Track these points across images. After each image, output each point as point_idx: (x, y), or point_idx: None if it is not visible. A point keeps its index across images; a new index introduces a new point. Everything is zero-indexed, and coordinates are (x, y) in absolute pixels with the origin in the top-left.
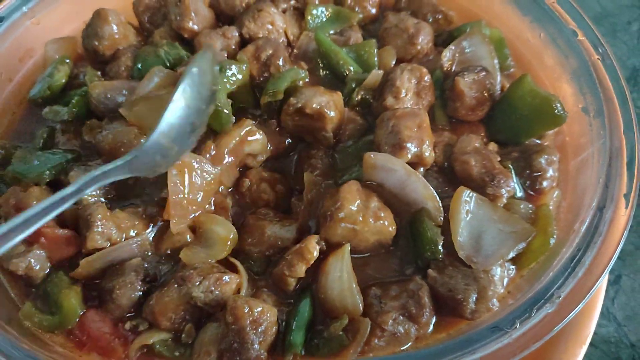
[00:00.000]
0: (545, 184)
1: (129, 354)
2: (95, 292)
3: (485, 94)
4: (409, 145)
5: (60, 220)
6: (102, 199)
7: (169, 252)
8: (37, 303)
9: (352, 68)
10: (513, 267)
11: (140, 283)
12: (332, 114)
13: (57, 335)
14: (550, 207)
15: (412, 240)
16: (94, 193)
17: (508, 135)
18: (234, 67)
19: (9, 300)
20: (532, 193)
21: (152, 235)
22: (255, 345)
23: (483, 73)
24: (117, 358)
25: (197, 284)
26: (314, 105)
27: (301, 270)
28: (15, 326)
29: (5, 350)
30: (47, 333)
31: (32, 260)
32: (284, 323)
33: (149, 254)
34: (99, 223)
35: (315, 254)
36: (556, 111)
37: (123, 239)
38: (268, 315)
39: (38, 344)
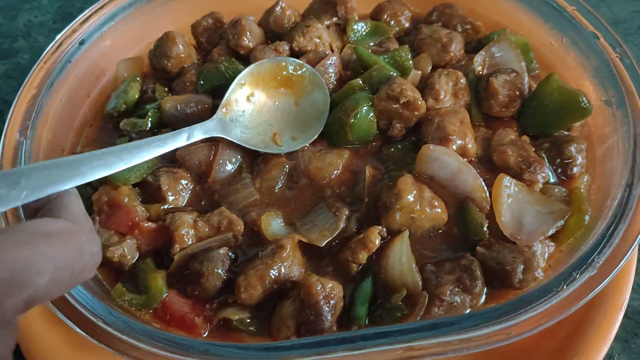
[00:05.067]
0: (575, 169)
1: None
2: (173, 279)
3: (517, 92)
4: (453, 137)
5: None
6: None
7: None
8: (126, 285)
9: (392, 73)
10: (552, 243)
11: (226, 272)
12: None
13: (144, 313)
14: (582, 190)
15: (461, 224)
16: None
17: (539, 129)
18: None
19: (99, 282)
20: (564, 178)
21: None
22: (329, 317)
23: (513, 74)
24: (197, 334)
25: (277, 263)
26: (409, 94)
27: (363, 257)
28: (109, 302)
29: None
30: (137, 311)
31: (126, 249)
32: (347, 300)
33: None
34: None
35: (377, 242)
36: (582, 104)
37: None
38: (337, 290)
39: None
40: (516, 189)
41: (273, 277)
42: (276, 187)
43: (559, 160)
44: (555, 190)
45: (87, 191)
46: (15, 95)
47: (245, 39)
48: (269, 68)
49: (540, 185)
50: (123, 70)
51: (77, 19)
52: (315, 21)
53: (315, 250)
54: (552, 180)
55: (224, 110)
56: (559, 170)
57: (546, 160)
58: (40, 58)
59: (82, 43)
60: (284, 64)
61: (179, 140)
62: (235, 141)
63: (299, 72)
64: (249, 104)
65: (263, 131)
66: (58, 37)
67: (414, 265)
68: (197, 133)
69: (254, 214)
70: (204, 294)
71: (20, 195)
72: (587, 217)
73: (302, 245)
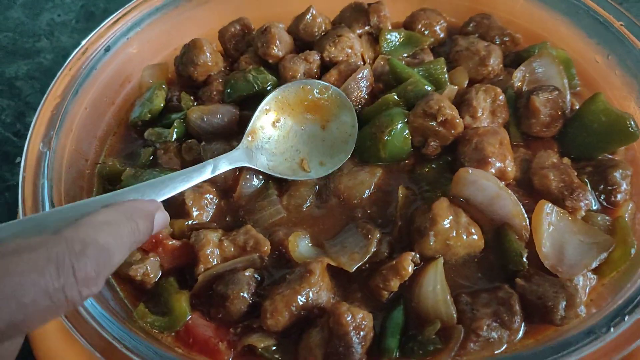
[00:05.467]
0: (619, 197)
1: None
2: (197, 302)
3: (558, 112)
4: (492, 160)
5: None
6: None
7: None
8: (148, 305)
9: (427, 87)
10: (594, 275)
11: (251, 295)
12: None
13: (167, 336)
14: (626, 219)
15: (498, 252)
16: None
17: (581, 151)
18: None
19: (121, 302)
20: (607, 206)
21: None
22: (359, 349)
23: (556, 92)
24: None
25: (304, 288)
26: (448, 111)
27: (395, 285)
28: (131, 324)
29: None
30: (159, 334)
31: (149, 267)
32: (377, 328)
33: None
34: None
35: (410, 270)
36: (630, 128)
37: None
38: (367, 321)
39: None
40: (558, 216)
41: (301, 303)
42: (304, 206)
43: (602, 186)
44: (598, 219)
45: None
46: (37, 97)
47: (274, 47)
48: (295, 92)
49: (583, 213)
50: (148, 77)
51: (102, 23)
52: (347, 30)
53: (344, 273)
54: (594, 207)
55: (249, 138)
56: (602, 197)
57: (589, 186)
58: (65, 64)
59: (107, 50)
60: (309, 87)
61: (204, 173)
62: (262, 170)
63: (325, 95)
64: (275, 130)
65: (290, 157)
66: (83, 42)
67: (448, 297)
68: (223, 164)
69: (280, 234)
70: (228, 317)
71: None
72: (632, 250)
73: (330, 268)
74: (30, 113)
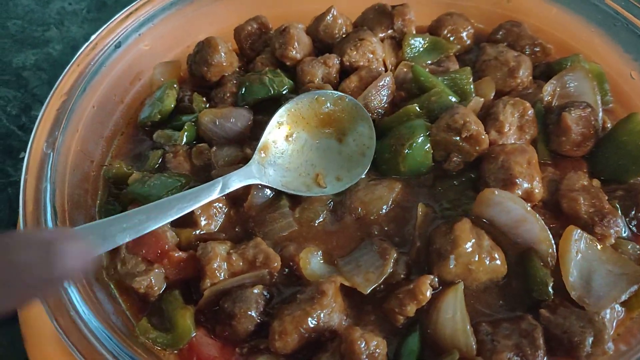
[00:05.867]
0: None
1: None
2: (203, 318)
3: (590, 130)
4: (519, 181)
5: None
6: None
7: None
8: (151, 319)
9: (451, 98)
10: (622, 308)
11: (260, 314)
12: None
13: (169, 354)
14: None
15: (521, 278)
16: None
17: (612, 173)
18: None
19: (123, 315)
20: (638, 233)
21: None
22: None
23: (589, 109)
24: None
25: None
26: (473, 127)
27: (412, 310)
28: (132, 340)
29: None
30: (162, 350)
31: (153, 279)
32: (391, 354)
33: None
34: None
35: (428, 294)
36: None
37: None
38: (381, 348)
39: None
40: (586, 244)
41: (311, 325)
42: (316, 221)
43: (633, 212)
44: (629, 247)
45: (117, 208)
46: (44, 89)
47: (292, 49)
48: (309, 104)
49: (613, 240)
50: (160, 75)
51: (114, 18)
52: (370, 34)
53: (358, 293)
54: (624, 234)
55: (262, 154)
56: (633, 223)
57: (619, 211)
58: (73, 60)
59: (118, 46)
60: (323, 98)
61: (213, 193)
62: (275, 186)
63: (340, 107)
64: (289, 144)
65: (305, 172)
66: (93, 37)
67: (468, 326)
68: (233, 182)
69: (291, 249)
70: (234, 336)
71: None
72: None
73: (343, 287)
74: (36, 106)
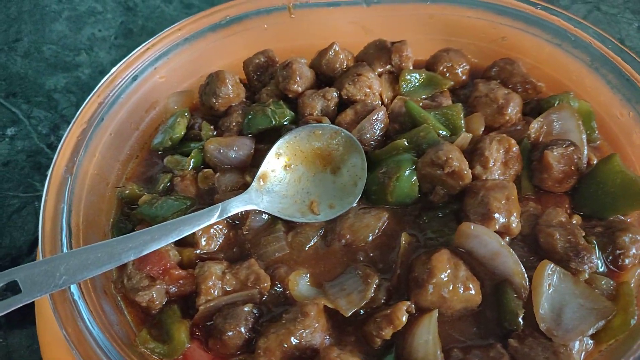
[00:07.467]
0: (627, 261)
1: None
2: (198, 331)
3: (573, 168)
4: (497, 216)
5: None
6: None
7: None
8: (151, 330)
9: (442, 132)
10: (591, 341)
11: (248, 330)
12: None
13: None
14: (632, 285)
15: (495, 308)
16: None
17: (593, 209)
18: None
19: (127, 324)
20: (613, 269)
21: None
22: None
23: (571, 148)
24: None
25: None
26: (455, 164)
27: (388, 334)
28: (131, 350)
29: None
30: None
31: (155, 294)
32: None
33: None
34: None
35: (404, 320)
36: None
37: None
38: None
39: None
40: (560, 277)
41: (294, 343)
42: (307, 245)
43: (610, 248)
44: (602, 282)
45: (127, 227)
46: (72, 110)
47: (294, 83)
48: (307, 137)
49: (586, 275)
50: (173, 104)
51: (132, 53)
52: (368, 69)
53: (340, 315)
54: (600, 269)
55: (260, 182)
56: (609, 259)
57: (596, 247)
58: (94, 92)
59: (135, 79)
60: (320, 132)
61: (212, 217)
62: (271, 213)
63: (336, 141)
64: (286, 173)
65: (300, 199)
66: (113, 70)
67: (439, 352)
68: (232, 208)
69: (282, 271)
70: (225, 350)
71: (59, 282)
72: (633, 321)
73: (327, 309)
74: (63, 126)
